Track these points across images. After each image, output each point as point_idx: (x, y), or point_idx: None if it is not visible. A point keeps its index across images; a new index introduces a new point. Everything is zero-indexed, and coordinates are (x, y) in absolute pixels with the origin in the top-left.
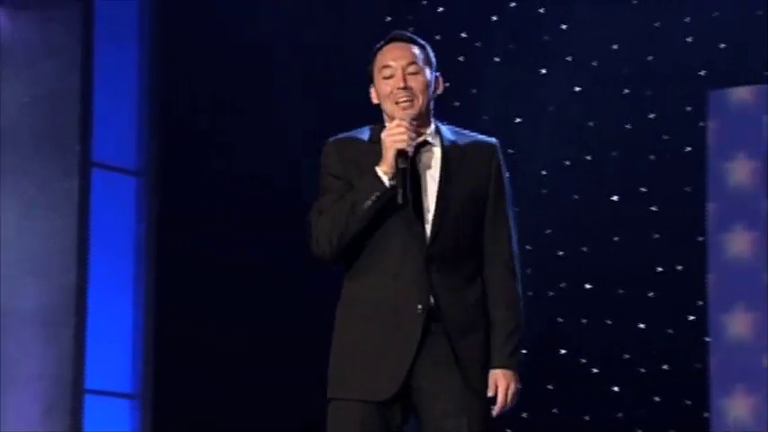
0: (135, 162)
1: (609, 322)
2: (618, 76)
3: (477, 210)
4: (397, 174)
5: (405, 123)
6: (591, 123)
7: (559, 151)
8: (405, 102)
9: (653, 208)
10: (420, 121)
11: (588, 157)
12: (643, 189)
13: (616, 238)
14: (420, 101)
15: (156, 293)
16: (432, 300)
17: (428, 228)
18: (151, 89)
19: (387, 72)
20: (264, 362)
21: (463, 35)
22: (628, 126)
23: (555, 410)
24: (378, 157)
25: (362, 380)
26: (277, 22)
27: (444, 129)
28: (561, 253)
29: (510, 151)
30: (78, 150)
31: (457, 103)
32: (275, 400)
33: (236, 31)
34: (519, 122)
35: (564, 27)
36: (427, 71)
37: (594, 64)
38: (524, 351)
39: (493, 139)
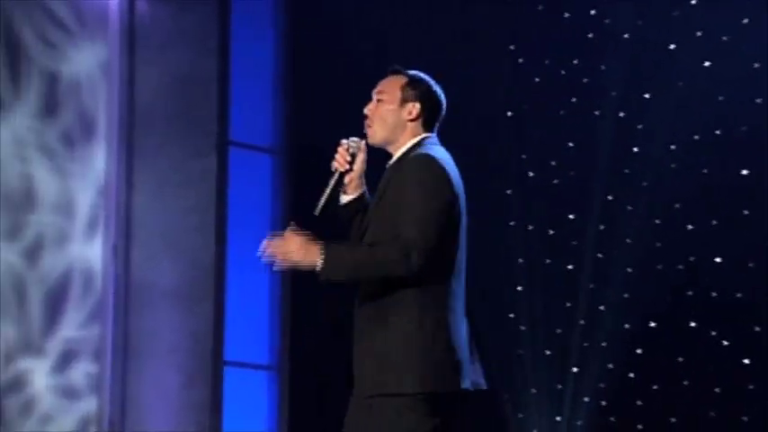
0: (270, 140)
1: (739, 295)
2: (748, 51)
3: (390, 226)
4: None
5: (343, 147)
6: (720, 98)
7: (688, 126)
8: (366, 126)
9: None
10: (389, 144)
11: (717, 132)
12: None
13: (746, 212)
14: (375, 126)
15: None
16: None
17: None
18: (285, 71)
19: None
20: None
21: (592, 12)
22: (758, 100)
23: (686, 382)
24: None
25: None
26: (400, 17)
27: (417, 150)
28: (690, 227)
29: (638, 126)
30: (215, 130)
31: (585, 80)
32: None
33: (364, 15)
34: (647, 98)
35: (693, 2)
36: (394, 100)
37: (724, 39)
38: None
39: (420, 152)
